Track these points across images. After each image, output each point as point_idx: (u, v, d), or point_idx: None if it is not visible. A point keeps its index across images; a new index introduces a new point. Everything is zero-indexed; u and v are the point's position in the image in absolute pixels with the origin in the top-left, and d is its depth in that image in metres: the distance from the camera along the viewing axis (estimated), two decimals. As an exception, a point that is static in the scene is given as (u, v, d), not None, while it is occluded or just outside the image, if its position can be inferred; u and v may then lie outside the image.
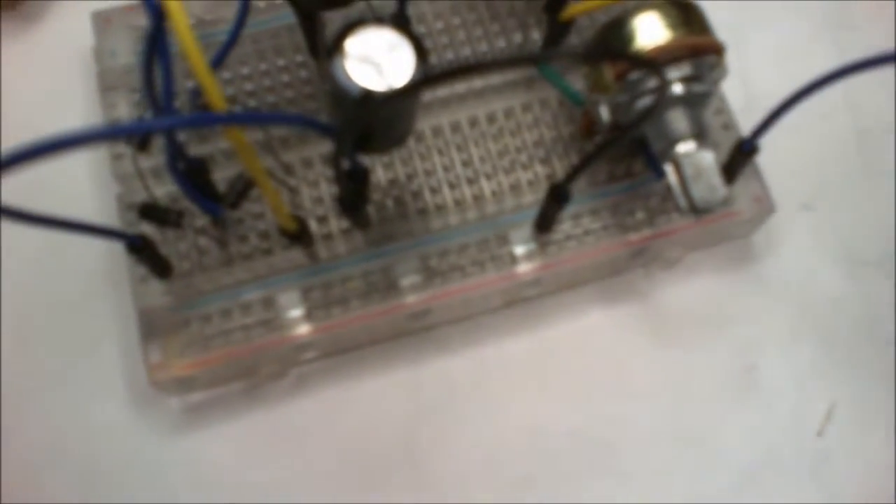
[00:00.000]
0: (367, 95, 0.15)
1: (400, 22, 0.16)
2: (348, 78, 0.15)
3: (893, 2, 0.26)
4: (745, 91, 0.23)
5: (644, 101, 0.18)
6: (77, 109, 0.24)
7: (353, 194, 0.19)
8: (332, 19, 0.22)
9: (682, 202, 0.18)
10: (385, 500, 0.20)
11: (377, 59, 0.16)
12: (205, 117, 0.14)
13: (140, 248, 0.19)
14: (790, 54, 0.25)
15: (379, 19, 0.16)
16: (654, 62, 0.16)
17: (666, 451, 0.21)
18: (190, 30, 0.13)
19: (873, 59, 0.15)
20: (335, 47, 0.16)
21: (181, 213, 0.20)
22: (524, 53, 0.22)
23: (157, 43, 0.14)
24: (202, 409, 0.21)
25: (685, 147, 0.18)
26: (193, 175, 0.19)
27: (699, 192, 0.18)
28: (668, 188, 0.19)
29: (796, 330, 0.22)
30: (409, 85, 0.15)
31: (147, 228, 0.20)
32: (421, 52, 0.16)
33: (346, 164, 0.17)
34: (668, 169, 0.19)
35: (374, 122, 0.16)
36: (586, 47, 0.19)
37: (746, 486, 0.21)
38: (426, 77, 0.15)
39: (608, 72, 0.18)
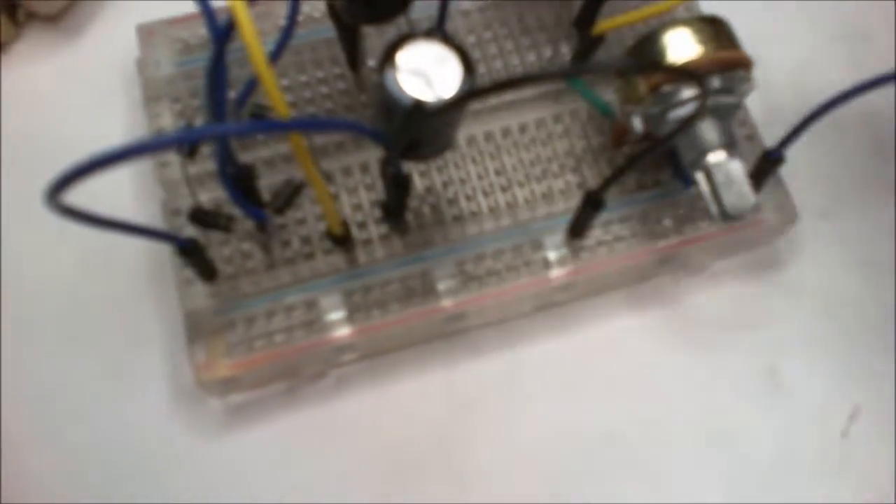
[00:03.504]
0: (418, 106, 0.16)
1: (445, 35, 0.17)
2: (400, 89, 0.16)
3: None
4: (764, 102, 0.24)
5: (676, 113, 0.19)
6: (120, 120, 0.24)
7: (396, 200, 0.20)
8: (369, 34, 0.23)
9: (714, 210, 0.19)
10: (421, 499, 0.21)
11: (426, 72, 0.16)
12: (271, 123, 0.15)
13: (190, 252, 0.19)
14: (807, 66, 0.26)
15: (428, 33, 0.17)
16: (698, 74, 0.16)
17: (694, 453, 0.22)
18: (258, 41, 0.14)
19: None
20: (387, 60, 0.17)
21: (231, 218, 0.20)
22: (564, 67, 0.22)
23: (222, 59, 0.15)
24: (243, 410, 0.22)
25: (716, 157, 0.19)
26: (241, 181, 0.20)
27: (730, 200, 0.19)
28: (698, 196, 0.20)
29: (819, 334, 0.23)
30: (458, 96, 0.16)
31: (190, 233, 0.21)
32: (468, 64, 0.17)
33: (392, 171, 0.18)
34: (700, 178, 0.19)
35: (423, 131, 0.17)
36: (634, 59, 0.20)
37: (772, 486, 0.21)
38: (474, 90, 0.16)
39: (642, 84, 0.19)
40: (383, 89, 0.16)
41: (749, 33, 0.21)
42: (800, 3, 0.27)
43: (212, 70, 0.15)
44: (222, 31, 0.15)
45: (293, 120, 0.16)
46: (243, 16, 0.14)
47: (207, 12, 0.15)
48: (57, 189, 0.13)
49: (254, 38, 0.13)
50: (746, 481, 0.22)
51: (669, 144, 0.18)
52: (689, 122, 0.16)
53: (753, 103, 0.23)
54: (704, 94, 0.14)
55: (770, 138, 0.23)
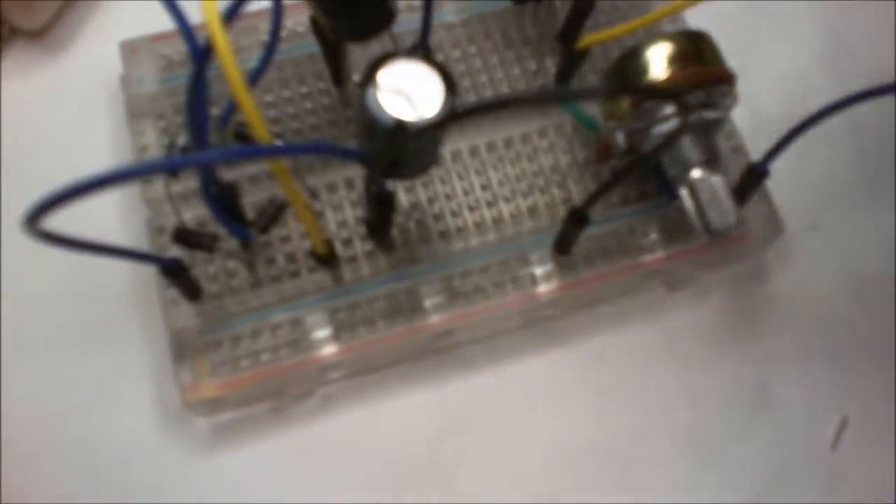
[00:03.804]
0: (400, 126, 0.16)
1: (427, 54, 0.17)
2: (381, 109, 0.16)
3: (892, 30, 0.27)
4: (750, 116, 0.24)
5: (660, 128, 0.19)
6: (104, 136, 0.24)
7: (380, 218, 0.19)
8: (353, 49, 0.22)
9: (699, 225, 0.19)
10: (410, 516, 0.21)
11: (408, 91, 0.16)
12: (253, 150, 0.15)
13: (174, 272, 0.19)
14: (792, 80, 0.26)
15: (410, 52, 0.17)
16: (678, 94, 0.16)
17: (682, 467, 0.22)
18: (237, 66, 0.14)
19: (882, 87, 0.16)
20: (368, 79, 0.16)
21: (215, 237, 0.20)
22: (549, 91, 0.22)
23: (200, 81, 0.15)
24: (230, 429, 0.22)
25: (699, 172, 0.19)
26: (224, 200, 0.20)
27: (714, 216, 0.19)
28: (683, 211, 0.20)
29: (806, 347, 0.23)
30: (441, 118, 0.16)
31: (174, 252, 0.21)
32: (450, 83, 0.17)
33: (375, 189, 0.18)
34: (684, 193, 0.19)
35: (405, 150, 0.17)
36: (610, 77, 0.19)
37: (762, 500, 0.21)
38: (457, 111, 0.16)
39: (625, 100, 0.19)
40: (364, 109, 0.16)
41: (735, 45, 0.21)
42: (786, 15, 0.27)
43: (192, 91, 0.15)
44: (202, 53, 0.15)
45: (272, 147, 0.15)
46: (220, 38, 0.14)
47: (186, 33, 0.15)
48: (35, 215, 0.13)
49: (232, 64, 0.13)
50: (737, 496, 0.22)
51: (652, 161, 0.18)
52: (669, 142, 0.16)
53: (739, 115, 0.23)
54: (685, 113, 0.14)
55: (757, 149, 0.23)
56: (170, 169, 0.13)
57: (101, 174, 0.12)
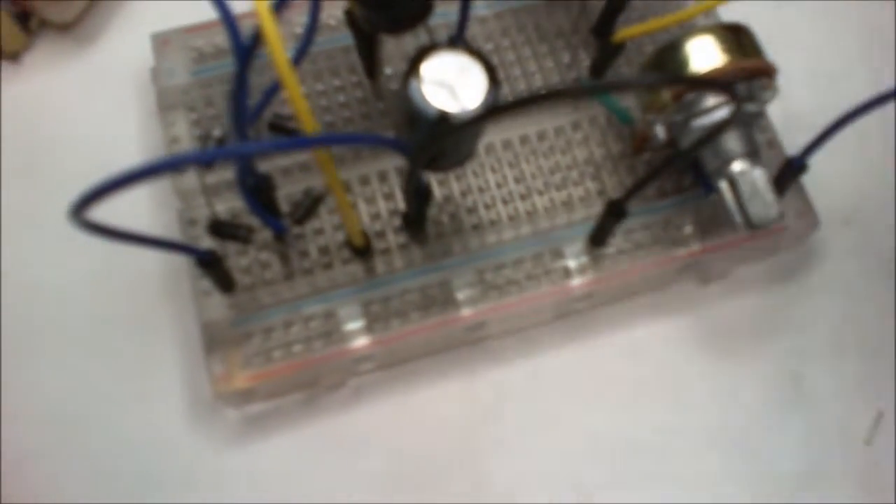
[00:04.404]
0: (444, 117, 0.16)
1: (468, 45, 0.17)
2: (425, 100, 0.16)
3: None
4: (782, 109, 0.24)
5: (700, 121, 0.19)
6: (134, 128, 0.24)
7: (418, 211, 0.19)
8: (386, 41, 0.22)
9: (739, 218, 0.19)
10: (442, 508, 0.21)
11: (451, 82, 0.16)
12: (300, 140, 0.15)
13: (210, 263, 0.19)
14: (825, 73, 0.26)
15: (451, 43, 0.17)
16: (729, 84, 0.16)
17: (716, 460, 0.22)
18: (285, 55, 0.14)
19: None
20: (411, 70, 0.16)
21: (251, 229, 0.20)
22: (602, 83, 0.22)
23: (245, 74, 0.15)
24: (261, 420, 0.22)
25: (740, 165, 0.19)
26: (260, 192, 0.20)
27: (755, 209, 0.19)
28: (720, 203, 0.20)
29: (841, 340, 0.23)
30: (485, 110, 0.16)
31: (207, 243, 0.21)
32: (492, 75, 0.17)
33: (415, 182, 0.18)
34: (723, 186, 0.19)
35: (447, 143, 0.17)
36: (648, 69, 0.19)
37: (796, 494, 0.21)
38: (502, 105, 0.16)
39: (666, 92, 0.19)
40: (408, 101, 0.16)
41: (766, 39, 0.21)
42: (820, 10, 0.27)
43: (237, 82, 0.15)
44: (246, 48, 0.15)
45: (317, 136, 0.15)
46: (270, 27, 0.14)
47: (229, 23, 0.15)
48: (81, 207, 0.13)
49: (281, 52, 0.13)
50: (771, 490, 0.21)
51: (695, 153, 0.18)
52: (716, 133, 0.16)
53: (773, 109, 0.23)
54: (738, 104, 0.14)
55: (789, 144, 0.23)
56: (212, 160, 0.12)
57: (145, 165, 0.13)
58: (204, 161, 0.13)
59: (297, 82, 0.14)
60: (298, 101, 0.13)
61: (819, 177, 0.22)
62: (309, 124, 0.14)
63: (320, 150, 0.15)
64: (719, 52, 0.19)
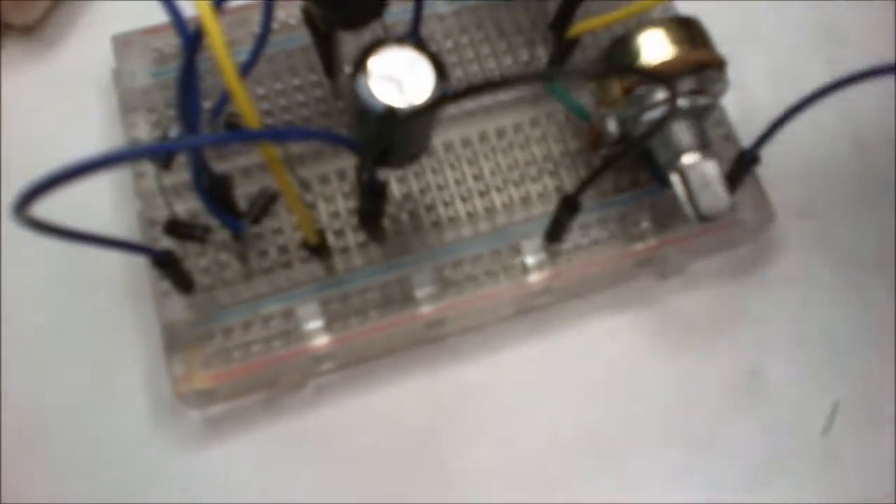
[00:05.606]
0: (390, 112, 0.16)
1: (418, 41, 0.17)
2: (372, 95, 0.16)
3: (884, 18, 0.27)
4: (741, 103, 0.24)
5: (650, 115, 0.19)
6: (97, 130, 0.24)
7: (372, 207, 0.19)
8: (345, 40, 0.22)
9: (689, 211, 0.19)
10: (405, 505, 0.21)
11: (399, 77, 0.16)
12: (244, 134, 0.15)
13: (166, 264, 0.19)
14: (783, 68, 0.26)
15: (400, 39, 0.17)
16: (665, 76, 0.16)
17: (676, 453, 0.22)
18: (227, 51, 0.14)
19: (871, 70, 0.16)
20: (359, 66, 0.16)
21: (207, 229, 0.20)
22: (538, 70, 0.22)
23: (192, 67, 0.15)
24: (222, 421, 0.22)
25: (690, 158, 0.19)
26: (216, 191, 0.20)
27: (705, 201, 0.19)
28: (674, 198, 0.20)
29: (798, 333, 0.23)
30: (430, 101, 0.16)
31: (167, 245, 0.21)
32: (440, 70, 0.17)
33: (366, 177, 0.18)
34: (675, 179, 0.19)
35: (395, 137, 0.17)
36: (601, 63, 0.20)
37: (755, 486, 0.22)
38: (446, 94, 0.16)
39: (616, 87, 0.19)
40: (355, 96, 0.16)
41: (726, 33, 0.21)
42: (777, 4, 0.27)
43: (182, 78, 0.15)
44: (191, 38, 0.15)
45: (263, 131, 0.16)
46: (211, 23, 0.14)
47: (177, 19, 0.15)
48: (24, 202, 0.13)
49: (221, 45, 0.13)
50: (729, 482, 0.22)
51: (643, 147, 0.18)
52: (659, 125, 0.16)
53: (730, 103, 0.23)
54: (674, 96, 0.14)
55: (747, 138, 0.23)
56: (159, 153, 0.13)
57: (90, 158, 0.12)
58: (138, 156, 0.13)
59: (236, 68, 0.14)
60: (237, 91, 0.13)
61: (775, 170, 0.23)
62: (250, 116, 0.14)
63: (267, 148, 0.15)
64: (669, 45, 0.19)
